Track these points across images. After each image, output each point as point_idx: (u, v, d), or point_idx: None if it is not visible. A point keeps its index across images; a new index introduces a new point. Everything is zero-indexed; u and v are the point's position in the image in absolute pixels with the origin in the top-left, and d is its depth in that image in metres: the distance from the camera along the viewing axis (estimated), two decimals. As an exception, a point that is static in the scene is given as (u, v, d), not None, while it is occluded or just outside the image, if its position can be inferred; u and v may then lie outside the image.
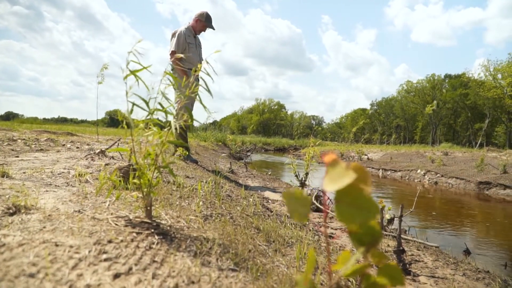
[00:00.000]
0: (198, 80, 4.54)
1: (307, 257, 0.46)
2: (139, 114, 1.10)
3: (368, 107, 68.59)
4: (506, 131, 39.20)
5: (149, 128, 1.06)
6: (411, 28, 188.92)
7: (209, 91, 1.10)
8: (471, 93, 41.86)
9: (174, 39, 4.32)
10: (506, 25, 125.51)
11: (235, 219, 1.75)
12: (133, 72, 1.03)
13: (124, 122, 1.00)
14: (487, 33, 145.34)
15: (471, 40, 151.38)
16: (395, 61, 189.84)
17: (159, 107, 1.07)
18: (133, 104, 0.99)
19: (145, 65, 1.11)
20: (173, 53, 4.31)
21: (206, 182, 2.62)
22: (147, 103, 1.04)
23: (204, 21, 4.44)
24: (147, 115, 1.05)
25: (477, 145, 37.77)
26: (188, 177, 2.79)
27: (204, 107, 1.14)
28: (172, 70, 4.38)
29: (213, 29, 4.54)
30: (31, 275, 0.74)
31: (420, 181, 9.07)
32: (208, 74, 1.15)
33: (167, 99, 1.09)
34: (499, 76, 34.42)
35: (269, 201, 3.38)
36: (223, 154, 9.71)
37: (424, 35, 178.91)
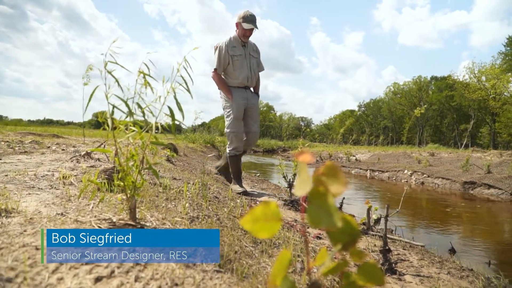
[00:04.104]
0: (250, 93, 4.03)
1: (280, 256, 0.46)
2: (123, 116, 1.09)
3: (356, 108, 69.20)
4: (490, 132, 40.00)
5: (130, 129, 1.05)
6: (398, 30, 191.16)
7: (189, 91, 1.10)
8: (457, 95, 42.65)
9: (216, 54, 3.75)
10: (490, 29, 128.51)
11: (222, 220, 1.74)
12: (116, 80, 1.02)
13: (105, 124, 0.99)
14: (472, 36, 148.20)
15: (456, 43, 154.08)
16: (383, 63, 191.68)
17: (140, 108, 1.06)
18: (113, 106, 0.98)
19: (130, 67, 1.10)
20: (215, 71, 3.77)
21: (193, 183, 2.61)
22: (127, 104, 1.03)
23: (242, 22, 3.72)
24: (126, 116, 1.04)
25: (463, 146, 38.49)
26: (175, 179, 2.77)
27: (180, 109, 1.11)
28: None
29: (256, 28, 3.80)
30: (9, 280, 0.73)
31: (407, 181, 9.20)
32: (188, 75, 1.14)
33: (141, 99, 1.08)
34: (483, 78, 35.14)
35: (257, 202, 3.38)
36: (210, 155, 9.67)
37: (411, 37, 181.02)
